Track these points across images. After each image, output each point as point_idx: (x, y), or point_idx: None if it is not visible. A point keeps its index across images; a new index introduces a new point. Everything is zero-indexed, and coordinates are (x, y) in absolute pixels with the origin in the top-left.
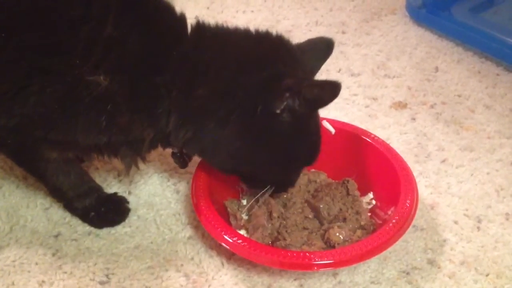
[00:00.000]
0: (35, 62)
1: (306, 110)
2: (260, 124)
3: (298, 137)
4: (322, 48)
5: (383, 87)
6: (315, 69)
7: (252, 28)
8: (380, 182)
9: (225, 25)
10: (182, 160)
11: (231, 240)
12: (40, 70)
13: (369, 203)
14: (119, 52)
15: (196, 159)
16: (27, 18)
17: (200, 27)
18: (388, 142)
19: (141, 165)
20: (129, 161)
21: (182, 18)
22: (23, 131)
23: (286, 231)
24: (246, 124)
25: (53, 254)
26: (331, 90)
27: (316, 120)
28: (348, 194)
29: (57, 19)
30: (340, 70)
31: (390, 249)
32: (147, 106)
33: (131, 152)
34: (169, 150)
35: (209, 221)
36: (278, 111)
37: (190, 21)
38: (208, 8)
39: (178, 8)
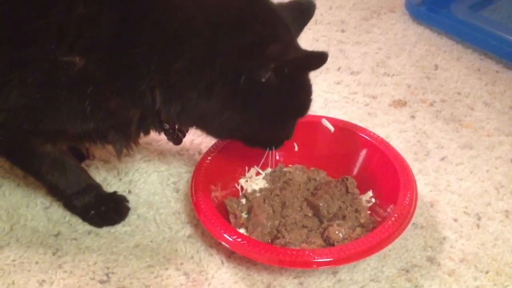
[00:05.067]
0: (12, 56)
1: (293, 74)
2: (246, 93)
3: (288, 95)
4: (302, 10)
5: (382, 85)
6: (296, 33)
7: None
8: (380, 180)
9: None
10: (175, 137)
11: (230, 239)
12: (18, 62)
13: (368, 201)
14: (92, 30)
15: (193, 146)
16: None
17: None
18: (387, 140)
19: (141, 164)
20: (119, 146)
21: None
22: (11, 126)
23: (286, 229)
24: (231, 94)
25: (53, 253)
26: (318, 59)
27: (305, 75)
28: (347, 192)
29: (25, 8)
30: (339, 68)
31: (389, 247)
32: (128, 85)
33: (120, 137)
34: (168, 147)
35: (208, 220)
36: (263, 80)
37: None
38: None
39: None
